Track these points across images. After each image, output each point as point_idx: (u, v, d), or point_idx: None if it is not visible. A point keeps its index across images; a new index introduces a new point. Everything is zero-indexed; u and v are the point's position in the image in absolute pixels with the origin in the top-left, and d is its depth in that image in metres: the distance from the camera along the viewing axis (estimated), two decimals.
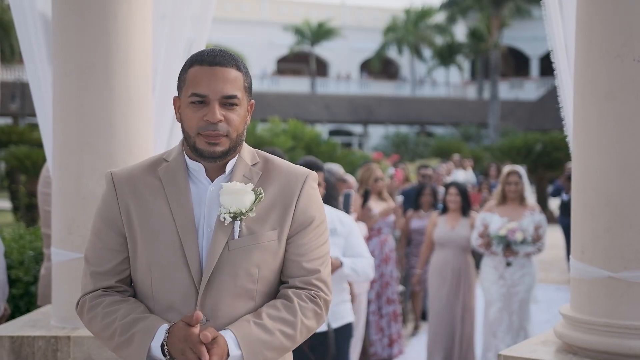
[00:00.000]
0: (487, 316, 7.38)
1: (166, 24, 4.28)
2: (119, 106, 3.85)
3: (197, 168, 2.33)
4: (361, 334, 6.99)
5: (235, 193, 2.25)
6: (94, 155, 3.81)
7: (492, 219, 7.28)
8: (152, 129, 4.02)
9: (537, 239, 7.22)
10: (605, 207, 3.28)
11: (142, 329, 2.20)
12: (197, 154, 2.29)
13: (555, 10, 3.81)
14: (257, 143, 9.86)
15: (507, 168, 7.72)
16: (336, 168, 7.51)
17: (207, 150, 2.26)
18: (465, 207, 7.74)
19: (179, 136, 4.41)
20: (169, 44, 4.26)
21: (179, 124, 4.32)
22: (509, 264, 7.20)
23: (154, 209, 2.30)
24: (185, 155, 2.35)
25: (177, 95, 2.37)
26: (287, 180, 2.38)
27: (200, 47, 4.37)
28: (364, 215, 6.96)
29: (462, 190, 7.85)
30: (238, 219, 2.27)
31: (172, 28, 4.26)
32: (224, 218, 2.26)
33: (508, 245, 7.11)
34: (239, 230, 2.28)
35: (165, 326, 2.19)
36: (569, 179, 9.13)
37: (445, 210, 7.83)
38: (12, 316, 5.55)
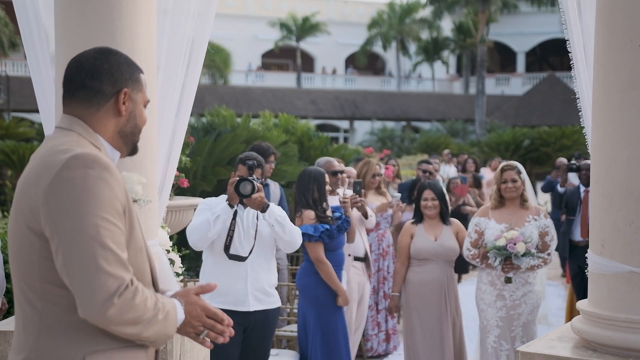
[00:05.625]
0: (482, 346, 6.18)
1: (167, 19, 4.20)
2: None
3: (115, 157, 2.47)
4: (361, 330, 6.95)
5: (139, 180, 2.55)
6: None
7: (487, 225, 6.10)
8: (156, 119, 3.92)
9: (543, 248, 6.03)
10: (626, 199, 3.20)
11: (169, 305, 2.32)
12: (132, 149, 2.52)
13: None
14: (251, 137, 9.74)
15: (502, 163, 6.45)
16: (324, 161, 7.31)
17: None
18: (445, 214, 6.52)
19: (182, 129, 4.33)
20: (171, 40, 4.19)
21: (185, 117, 4.30)
22: (508, 280, 5.97)
23: (128, 194, 2.37)
24: (110, 146, 2.45)
25: (126, 88, 2.42)
26: None
27: (203, 43, 4.29)
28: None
29: (439, 193, 6.52)
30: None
31: (173, 24, 4.20)
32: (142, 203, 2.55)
33: (508, 258, 5.89)
34: None
35: (174, 299, 2.38)
36: (568, 170, 8.95)
37: (420, 218, 6.54)
38: (8, 311, 5.46)
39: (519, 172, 6.17)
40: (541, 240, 6.04)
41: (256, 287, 5.14)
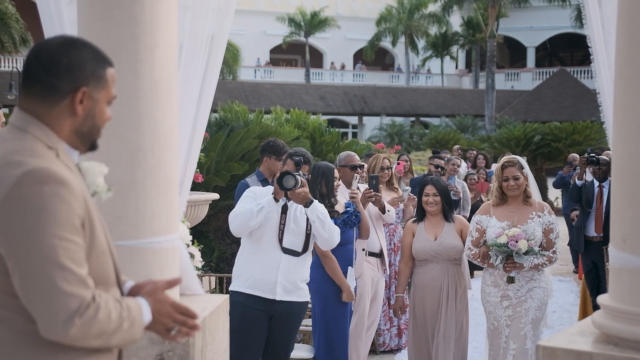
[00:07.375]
0: (494, 348, 5.86)
1: (188, 15, 4.21)
2: (144, 92, 3.75)
3: (74, 155, 2.36)
4: (375, 327, 6.97)
5: (101, 171, 2.41)
6: (120, 142, 3.71)
7: (489, 223, 5.78)
8: (178, 115, 3.94)
9: (548, 246, 5.71)
10: None
11: (135, 309, 2.25)
12: (90, 147, 2.36)
13: None
14: (264, 132, 9.75)
15: (502, 159, 6.07)
16: (345, 155, 7.25)
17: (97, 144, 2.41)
18: (447, 211, 6.30)
19: (202, 125, 4.34)
20: (191, 35, 4.20)
21: (205, 113, 4.30)
22: (510, 280, 5.69)
23: (89, 199, 2.28)
24: (67, 145, 2.32)
25: (85, 87, 2.25)
26: None
27: (222, 40, 4.30)
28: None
29: (441, 189, 6.30)
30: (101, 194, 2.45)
31: (193, 20, 4.20)
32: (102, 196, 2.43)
33: (510, 257, 5.59)
34: None
35: (141, 300, 2.31)
36: (588, 163, 8.86)
37: (422, 216, 6.36)
38: None
39: (521, 168, 5.82)
40: (545, 238, 5.70)
41: (287, 278, 5.21)
